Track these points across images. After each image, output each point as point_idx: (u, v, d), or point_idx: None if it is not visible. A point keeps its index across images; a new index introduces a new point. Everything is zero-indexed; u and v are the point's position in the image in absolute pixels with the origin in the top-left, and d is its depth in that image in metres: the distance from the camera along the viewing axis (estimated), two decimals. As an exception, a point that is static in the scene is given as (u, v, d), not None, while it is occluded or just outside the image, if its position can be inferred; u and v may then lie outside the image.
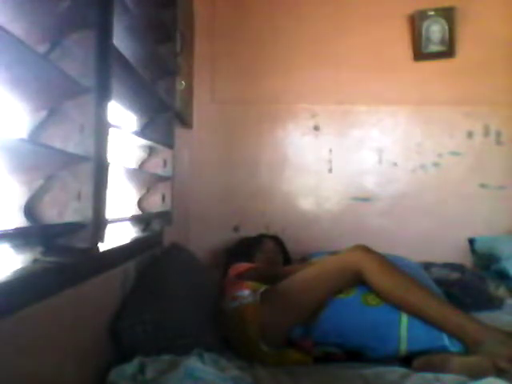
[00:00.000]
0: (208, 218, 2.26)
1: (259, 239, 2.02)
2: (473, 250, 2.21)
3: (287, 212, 2.29)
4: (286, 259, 2.04)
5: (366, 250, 1.30)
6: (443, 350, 1.16)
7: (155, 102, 1.41)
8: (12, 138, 0.68)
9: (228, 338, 1.26)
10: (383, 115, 2.32)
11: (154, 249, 1.45)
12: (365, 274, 1.25)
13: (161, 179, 1.47)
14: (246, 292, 1.33)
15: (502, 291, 1.83)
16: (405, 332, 1.19)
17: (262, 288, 1.32)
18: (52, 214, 0.83)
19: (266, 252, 1.93)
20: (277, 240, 2.07)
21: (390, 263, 1.27)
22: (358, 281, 1.27)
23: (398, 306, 1.22)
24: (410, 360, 1.16)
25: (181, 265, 1.43)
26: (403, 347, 1.18)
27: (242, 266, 1.63)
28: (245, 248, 1.96)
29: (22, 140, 0.77)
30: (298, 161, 2.31)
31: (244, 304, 1.28)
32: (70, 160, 0.84)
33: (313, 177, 2.31)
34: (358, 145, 2.32)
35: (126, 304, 1.12)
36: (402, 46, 2.30)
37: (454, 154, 2.30)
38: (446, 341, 1.17)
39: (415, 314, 1.20)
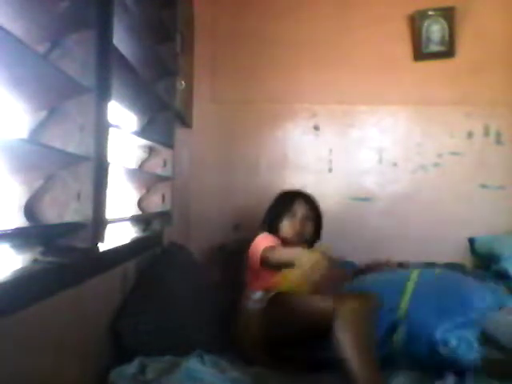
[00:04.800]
0: (208, 218, 2.26)
1: (292, 199, 1.76)
2: (473, 250, 2.21)
3: (287, 212, 2.29)
4: (317, 230, 1.78)
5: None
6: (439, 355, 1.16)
7: (155, 102, 1.41)
8: (12, 138, 0.68)
9: (233, 333, 1.28)
10: (383, 115, 2.32)
11: (154, 249, 1.45)
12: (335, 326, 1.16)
13: (161, 179, 1.47)
14: (258, 294, 1.36)
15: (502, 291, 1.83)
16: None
17: (272, 294, 1.34)
18: (52, 214, 0.83)
19: (294, 219, 1.71)
20: (312, 204, 1.79)
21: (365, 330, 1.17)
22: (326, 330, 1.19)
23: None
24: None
25: (180, 265, 1.43)
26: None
27: (264, 241, 1.56)
28: (278, 207, 1.77)
29: (22, 140, 0.77)
30: (298, 160, 2.31)
31: (251, 310, 1.30)
32: (70, 160, 0.84)
33: (313, 176, 2.31)
34: (358, 145, 2.32)
35: (126, 304, 1.12)
36: (402, 46, 2.29)
37: (454, 154, 2.30)
38: (440, 347, 1.17)
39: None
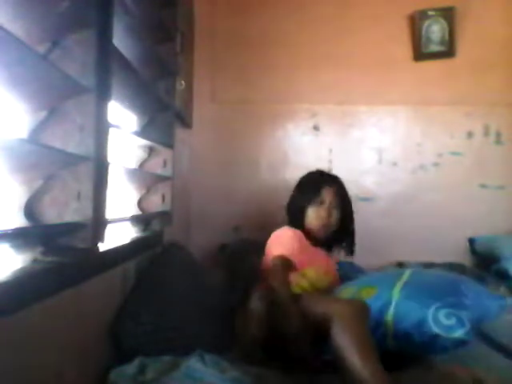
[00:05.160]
0: (208, 218, 2.26)
1: (318, 186, 1.61)
2: (473, 250, 2.21)
3: (287, 212, 2.29)
4: (344, 221, 1.61)
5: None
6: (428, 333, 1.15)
7: (155, 102, 1.41)
8: (12, 138, 0.68)
9: (234, 332, 1.28)
10: (383, 115, 2.32)
11: (154, 249, 1.45)
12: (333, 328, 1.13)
13: (161, 179, 1.47)
14: (262, 293, 1.33)
15: (502, 291, 1.84)
16: (391, 315, 1.20)
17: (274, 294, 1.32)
18: (52, 214, 0.83)
19: (320, 207, 1.57)
20: (340, 189, 1.63)
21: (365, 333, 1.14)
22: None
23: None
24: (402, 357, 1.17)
25: (180, 265, 1.43)
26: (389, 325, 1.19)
27: (280, 240, 1.50)
28: (302, 194, 1.64)
29: (22, 140, 0.77)
30: (298, 161, 2.31)
31: (253, 309, 1.29)
32: (70, 160, 0.84)
33: (313, 177, 2.31)
34: (358, 145, 2.32)
35: (126, 305, 1.12)
36: (402, 46, 2.30)
37: (454, 153, 2.30)
38: (431, 324, 1.16)
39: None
